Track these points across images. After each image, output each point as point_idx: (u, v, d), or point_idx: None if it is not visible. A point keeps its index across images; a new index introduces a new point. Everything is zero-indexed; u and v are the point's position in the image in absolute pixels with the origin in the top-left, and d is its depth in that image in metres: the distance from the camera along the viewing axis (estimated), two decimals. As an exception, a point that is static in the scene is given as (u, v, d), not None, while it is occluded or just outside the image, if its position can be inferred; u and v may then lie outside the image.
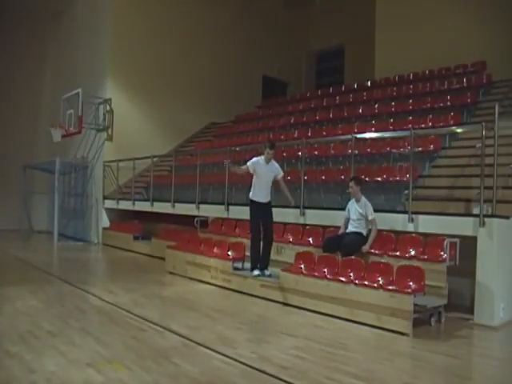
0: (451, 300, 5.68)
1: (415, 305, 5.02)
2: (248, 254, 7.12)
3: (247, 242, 7.24)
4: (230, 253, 7.59)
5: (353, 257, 5.98)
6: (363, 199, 6.43)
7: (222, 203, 9.24)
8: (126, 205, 12.70)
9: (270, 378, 3.66)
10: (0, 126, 15.78)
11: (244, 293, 6.85)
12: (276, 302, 6.31)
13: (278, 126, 12.60)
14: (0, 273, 8.37)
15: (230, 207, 8.98)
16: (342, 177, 8.03)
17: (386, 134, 8.53)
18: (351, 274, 5.69)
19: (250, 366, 3.87)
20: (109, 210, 13.61)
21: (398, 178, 7.35)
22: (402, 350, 4.64)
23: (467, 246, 5.56)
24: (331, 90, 14.05)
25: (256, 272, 6.83)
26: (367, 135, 8.63)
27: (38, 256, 10.77)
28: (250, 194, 6.98)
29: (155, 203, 11.41)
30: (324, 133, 10.49)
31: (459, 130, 8.20)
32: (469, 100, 9.59)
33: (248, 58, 17.21)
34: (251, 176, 6.98)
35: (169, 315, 5.59)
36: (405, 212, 6.42)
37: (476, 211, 5.72)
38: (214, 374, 3.72)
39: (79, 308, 5.78)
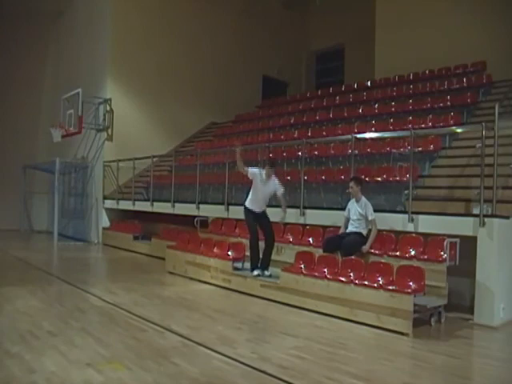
0: (451, 300, 5.69)
1: (415, 305, 5.02)
2: (248, 253, 7.12)
3: (247, 242, 7.24)
4: (230, 253, 7.59)
5: (353, 257, 5.98)
6: (363, 199, 6.42)
7: (221, 203, 9.24)
8: (125, 205, 12.71)
9: (270, 378, 3.66)
10: (0, 126, 15.77)
11: (244, 293, 6.85)
12: (276, 302, 6.31)
13: (278, 126, 12.59)
14: (0, 273, 8.37)
15: (230, 207, 8.99)
16: (342, 177, 8.02)
17: (386, 134, 8.52)
18: (351, 274, 5.69)
19: (250, 366, 3.87)
20: (109, 210, 13.62)
21: (398, 178, 7.33)
22: (402, 349, 4.64)
23: (467, 246, 5.56)
24: (331, 90, 14.02)
25: (256, 272, 6.84)
26: (367, 135, 8.62)
27: (37, 256, 10.77)
28: (246, 201, 6.99)
29: (155, 203, 11.42)
30: (324, 133, 10.48)
31: (459, 130, 8.19)
32: (469, 100, 9.59)
33: (248, 58, 17.20)
34: (251, 181, 6.99)
35: (169, 315, 5.58)
36: (405, 212, 6.42)
37: (476, 211, 5.72)
38: (214, 374, 3.72)
39: (79, 308, 5.77)
